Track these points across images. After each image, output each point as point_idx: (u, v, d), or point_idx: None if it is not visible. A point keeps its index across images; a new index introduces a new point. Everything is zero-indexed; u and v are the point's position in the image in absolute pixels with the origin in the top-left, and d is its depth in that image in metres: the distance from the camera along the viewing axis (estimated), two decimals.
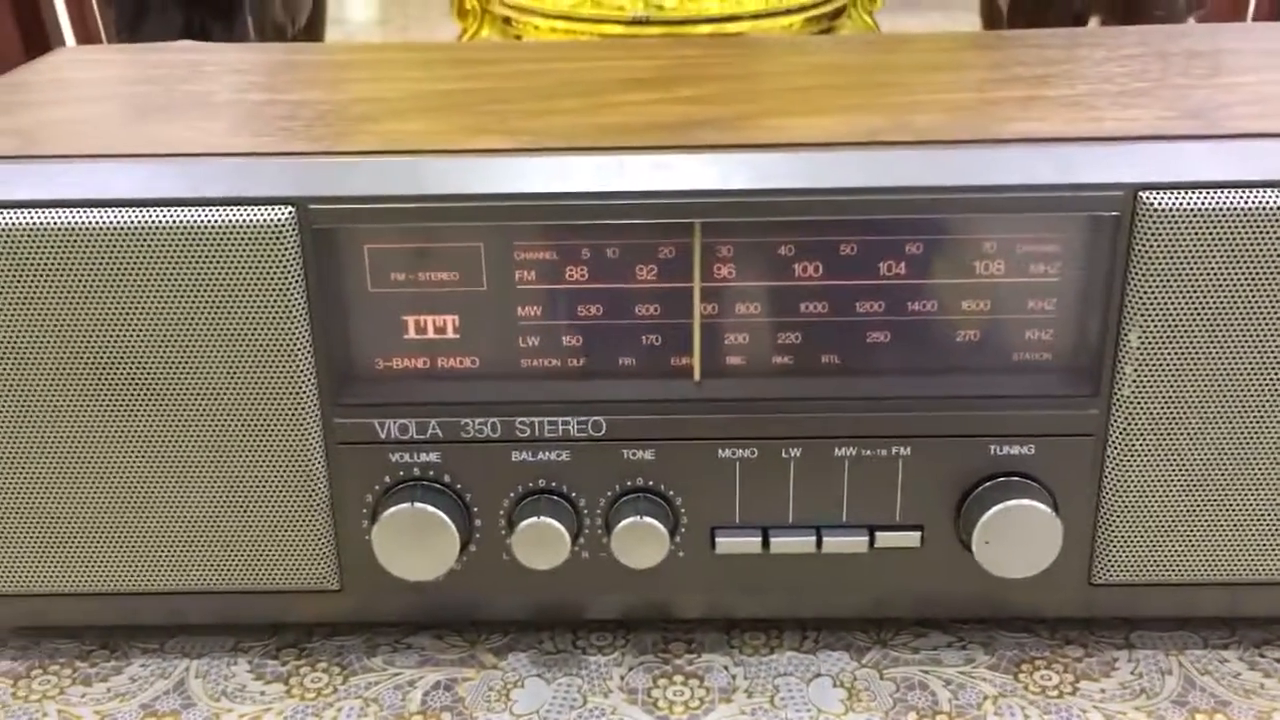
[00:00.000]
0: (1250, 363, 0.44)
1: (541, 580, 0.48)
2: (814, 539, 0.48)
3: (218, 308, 0.44)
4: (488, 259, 0.45)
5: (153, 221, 0.43)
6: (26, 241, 0.43)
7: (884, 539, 0.48)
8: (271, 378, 0.45)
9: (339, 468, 0.47)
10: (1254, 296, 0.44)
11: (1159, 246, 0.43)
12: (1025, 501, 0.46)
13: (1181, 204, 0.43)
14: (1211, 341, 0.44)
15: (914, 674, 0.50)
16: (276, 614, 0.51)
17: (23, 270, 0.44)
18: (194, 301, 0.44)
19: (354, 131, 0.49)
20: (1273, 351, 0.44)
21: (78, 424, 0.46)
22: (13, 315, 0.44)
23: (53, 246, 0.43)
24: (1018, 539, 0.46)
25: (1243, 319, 0.44)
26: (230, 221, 0.43)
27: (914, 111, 0.50)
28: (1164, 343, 0.44)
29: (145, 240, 0.43)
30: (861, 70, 0.60)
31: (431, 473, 0.47)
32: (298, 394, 0.45)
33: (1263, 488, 0.46)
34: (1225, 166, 0.43)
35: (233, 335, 0.44)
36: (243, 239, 0.43)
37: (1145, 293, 0.44)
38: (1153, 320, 0.44)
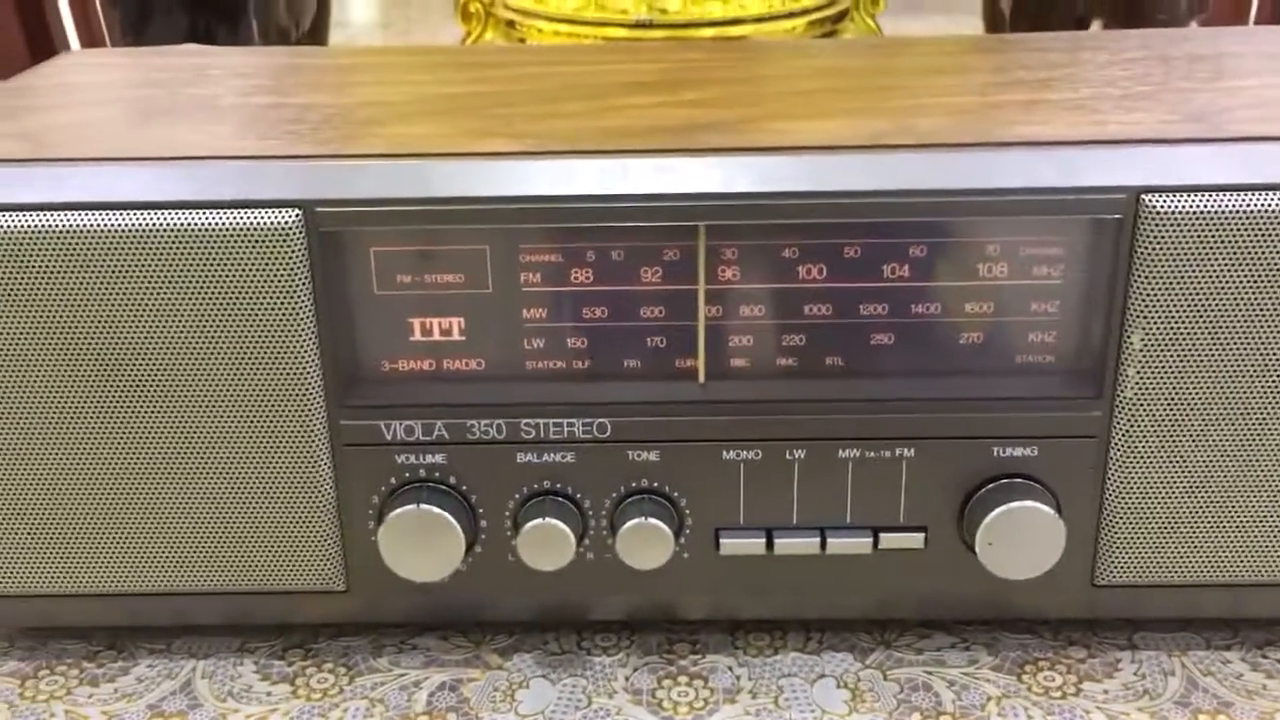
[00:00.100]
0: (1252, 364, 0.45)
1: (546, 581, 0.48)
2: (818, 540, 0.48)
3: (224, 310, 0.44)
4: (493, 261, 0.45)
5: (159, 224, 0.43)
6: (35, 243, 0.44)
7: (888, 540, 0.48)
8: (278, 379, 0.45)
9: (345, 469, 0.47)
10: (1255, 299, 0.44)
11: (1161, 249, 0.43)
12: (1028, 503, 0.46)
13: (1183, 207, 0.43)
14: (1213, 344, 0.44)
15: (918, 675, 0.50)
16: (283, 615, 0.51)
17: (31, 272, 0.44)
18: (200, 303, 0.44)
19: (360, 135, 0.49)
20: (1274, 353, 0.44)
21: (84, 425, 0.46)
22: (20, 316, 0.44)
23: (60, 248, 0.44)
24: (1021, 540, 0.46)
25: (1244, 321, 0.44)
26: (237, 224, 0.43)
27: (917, 115, 0.50)
28: (1166, 345, 0.44)
29: (152, 242, 0.44)
30: (865, 74, 0.61)
31: (437, 474, 0.47)
32: (304, 396, 0.46)
33: (1265, 489, 0.46)
34: (1227, 170, 0.43)
35: (239, 337, 0.45)
36: (249, 241, 0.44)
37: (1147, 295, 0.44)
38: (1155, 322, 0.44)
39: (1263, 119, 0.48)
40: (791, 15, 1.24)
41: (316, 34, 1.35)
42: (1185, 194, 0.43)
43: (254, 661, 0.51)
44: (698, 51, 0.69)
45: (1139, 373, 0.45)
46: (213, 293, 0.44)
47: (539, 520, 0.47)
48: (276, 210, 0.44)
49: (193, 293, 0.44)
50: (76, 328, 0.45)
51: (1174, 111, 0.49)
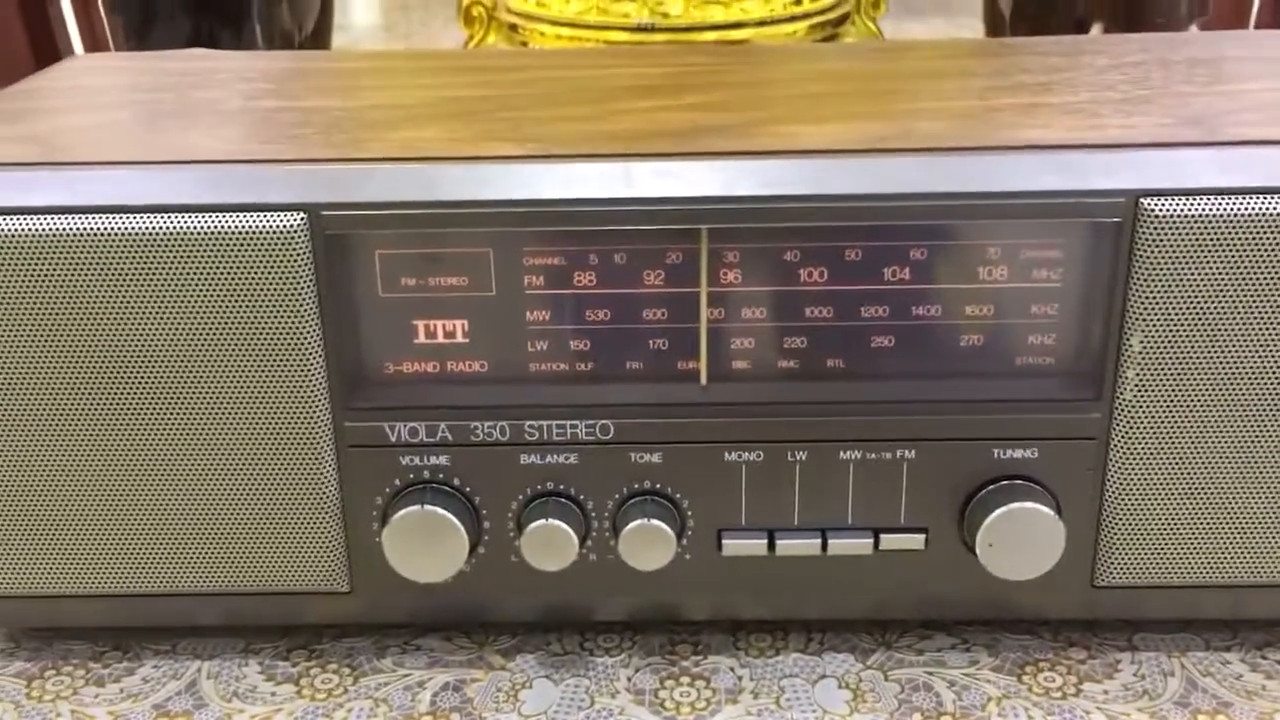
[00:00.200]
0: (1251, 366, 0.45)
1: (549, 582, 0.48)
2: (819, 541, 0.48)
3: (230, 311, 0.45)
4: (497, 264, 0.46)
5: (167, 226, 0.44)
6: (45, 246, 0.44)
7: (888, 541, 0.48)
8: (283, 381, 0.46)
9: (350, 471, 0.47)
10: (1254, 301, 0.44)
11: (1160, 252, 0.44)
12: (1028, 504, 0.46)
13: (1183, 210, 0.43)
14: (1212, 346, 0.45)
15: (918, 675, 0.50)
16: (287, 615, 0.51)
17: (41, 274, 0.44)
18: (207, 305, 0.45)
19: (365, 138, 0.49)
20: (1273, 355, 0.45)
21: (91, 426, 0.46)
22: (29, 317, 0.45)
23: (69, 251, 0.44)
24: (1021, 541, 0.46)
25: (1243, 323, 0.44)
26: (244, 227, 0.44)
27: (918, 119, 0.50)
28: (1165, 347, 0.45)
29: (160, 245, 0.44)
30: (867, 78, 0.61)
31: (441, 475, 0.47)
32: (309, 397, 0.46)
33: (1264, 491, 0.47)
34: (1226, 173, 0.44)
35: (245, 339, 0.45)
36: (256, 244, 0.44)
37: (1147, 298, 0.44)
38: (1154, 325, 0.44)
39: (1262, 123, 0.48)
40: (793, 19, 1.25)
41: (319, 37, 1.35)
42: (1184, 197, 0.43)
43: (259, 662, 0.52)
44: (701, 55, 0.69)
45: (1138, 375, 0.45)
46: (219, 295, 0.44)
47: (542, 521, 0.47)
48: (282, 213, 0.44)
49: (199, 294, 0.44)
50: (83, 328, 0.45)
51: (1173, 115, 0.49)
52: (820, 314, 0.46)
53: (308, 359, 0.45)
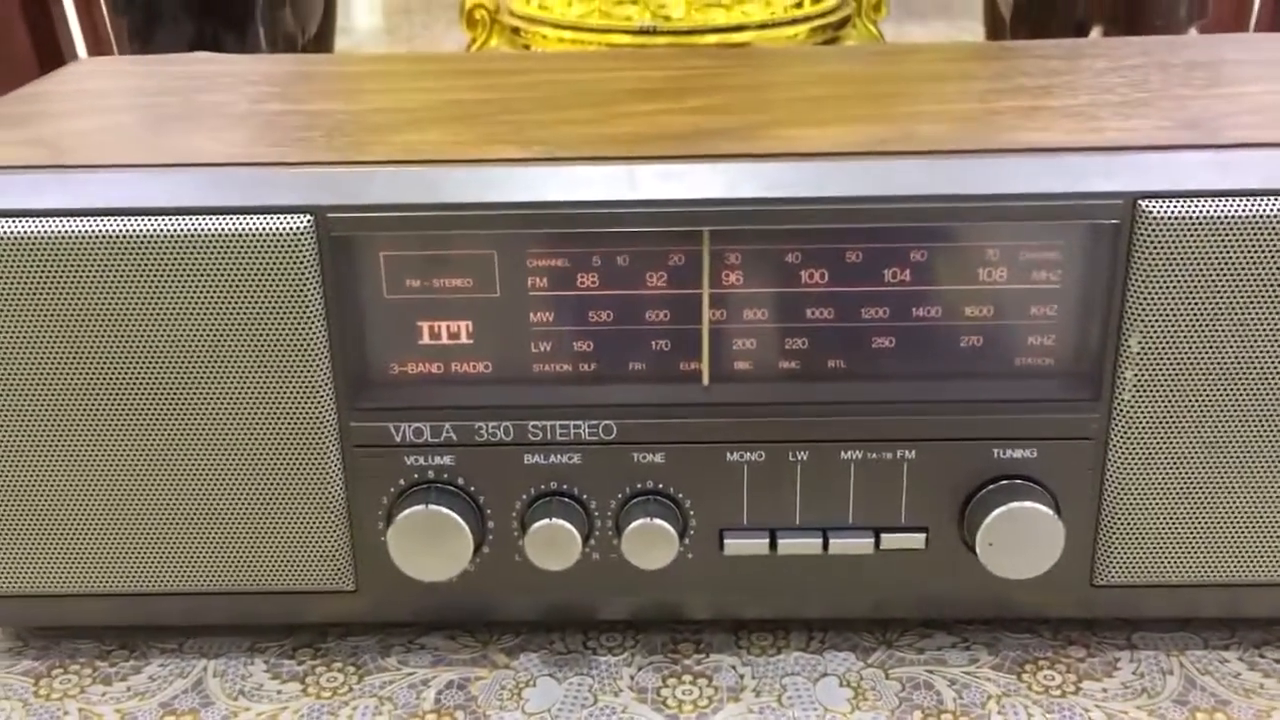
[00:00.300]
0: (1249, 367, 0.45)
1: (553, 581, 0.49)
2: (820, 541, 0.48)
3: (237, 313, 0.45)
4: (501, 266, 0.46)
5: (173, 229, 0.44)
6: (52, 248, 0.44)
7: (889, 541, 0.48)
8: (289, 382, 0.46)
9: (355, 471, 0.48)
10: (1252, 302, 0.44)
11: (1158, 254, 0.44)
12: (1028, 504, 0.46)
13: (1180, 212, 0.43)
14: (1210, 346, 0.45)
15: (919, 674, 0.51)
16: (293, 614, 0.51)
17: (48, 276, 0.45)
18: (213, 307, 0.45)
19: (370, 141, 0.50)
20: (1271, 356, 0.45)
21: (98, 426, 0.47)
22: (36, 320, 0.45)
23: (76, 253, 0.44)
24: (1021, 541, 0.47)
25: (1241, 324, 0.45)
26: (249, 229, 0.44)
27: (919, 121, 0.51)
28: (1164, 348, 0.45)
29: (166, 247, 0.44)
30: (868, 81, 0.61)
31: (445, 475, 0.48)
32: (315, 398, 0.46)
33: (1262, 490, 0.47)
34: (1224, 175, 0.44)
35: (251, 340, 0.45)
36: (262, 246, 0.44)
37: (1145, 299, 0.44)
38: (1153, 326, 0.45)
39: (1261, 125, 0.49)
40: (794, 22, 1.25)
41: (322, 40, 1.35)
42: (1182, 199, 0.43)
43: (264, 660, 0.52)
44: (703, 58, 0.69)
45: (1137, 375, 0.45)
46: (225, 296, 0.45)
47: (546, 521, 0.47)
48: (288, 216, 0.44)
49: (206, 296, 0.45)
50: (90, 330, 0.45)
51: (1172, 118, 0.50)
52: (821, 315, 0.46)
53: (314, 360, 0.46)
